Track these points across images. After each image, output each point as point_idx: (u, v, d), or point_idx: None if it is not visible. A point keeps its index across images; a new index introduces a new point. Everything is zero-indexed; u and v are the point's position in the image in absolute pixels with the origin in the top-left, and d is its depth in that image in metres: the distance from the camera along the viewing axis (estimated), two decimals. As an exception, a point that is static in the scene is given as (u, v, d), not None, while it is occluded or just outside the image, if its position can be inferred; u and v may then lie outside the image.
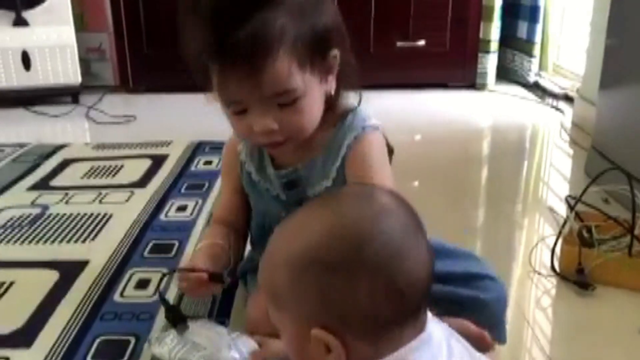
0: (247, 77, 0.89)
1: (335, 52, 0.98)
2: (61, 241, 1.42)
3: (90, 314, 1.13)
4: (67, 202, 1.63)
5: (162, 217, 1.53)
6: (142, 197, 1.65)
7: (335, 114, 1.04)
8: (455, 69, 2.95)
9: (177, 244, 1.38)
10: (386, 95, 2.78)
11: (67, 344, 1.04)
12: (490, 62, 2.93)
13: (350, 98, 1.05)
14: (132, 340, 1.04)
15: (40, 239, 1.43)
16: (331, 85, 0.99)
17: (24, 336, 1.07)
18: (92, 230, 1.46)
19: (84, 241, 1.41)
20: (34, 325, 1.10)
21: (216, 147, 1.99)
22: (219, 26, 0.87)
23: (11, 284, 1.24)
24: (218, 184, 1.69)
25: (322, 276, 0.66)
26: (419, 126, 2.42)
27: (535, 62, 2.89)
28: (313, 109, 0.97)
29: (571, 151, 2.12)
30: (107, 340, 1.05)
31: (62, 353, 1.02)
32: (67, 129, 2.50)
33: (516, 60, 3.04)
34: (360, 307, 0.65)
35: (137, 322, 1.10)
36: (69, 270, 1.28)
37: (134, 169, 1.86)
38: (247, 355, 0.96)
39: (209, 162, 1.90)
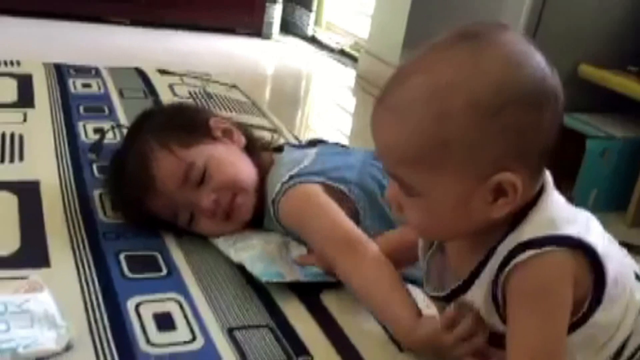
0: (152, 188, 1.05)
1: (214, 120, 1.11)
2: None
3: (89, 233, 1.06)
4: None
5: (84, 139, 1.41)
6: (42, 117, 1.49)
7: (268, 161, 1.13)
8: (243, 15, 3.06)
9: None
10: (176, 36, 2.76)
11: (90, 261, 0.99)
12: (276, 13, 3.11)
13: None
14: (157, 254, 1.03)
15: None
16: (239, 140, 1.11)
17: (33, 256, 0.98)
18: (13, 150, 1.30)
19: (12, 161, 1.27)
20: (37, 245, 1.00)
21: (79, 69, 1.84)
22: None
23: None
24: (119, 107, 1.62)
25: (520, 113, 0.62)
26: (208, 69, 2.17)
27: (313, 16, 3.17)
28: (224, 166, 1.06)
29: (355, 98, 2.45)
30: (132, 256, 1.02)
31: (92, 269, 0.97)
32: None
33: (296, 14, 3.28)
34: (540, 139, 0.64)
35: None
36: (27, 191, 1.15)
37: (3, 88, 1.63)
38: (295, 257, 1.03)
39: (88, 85, 1.74)
